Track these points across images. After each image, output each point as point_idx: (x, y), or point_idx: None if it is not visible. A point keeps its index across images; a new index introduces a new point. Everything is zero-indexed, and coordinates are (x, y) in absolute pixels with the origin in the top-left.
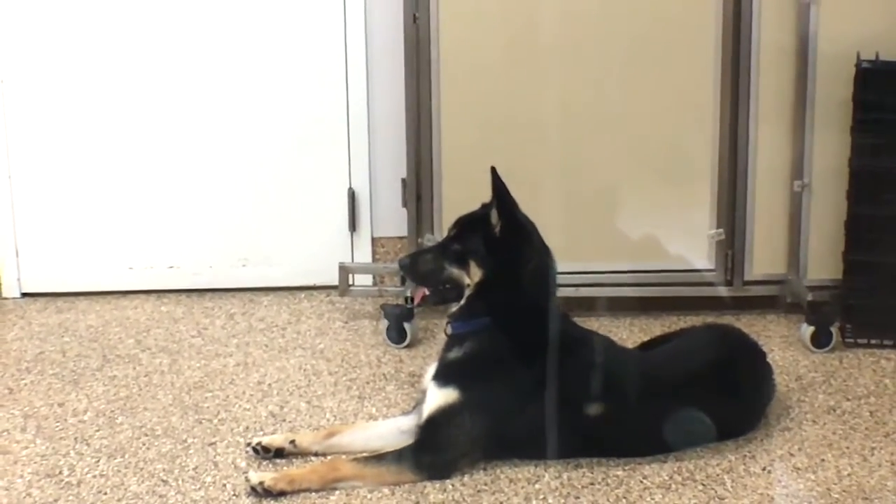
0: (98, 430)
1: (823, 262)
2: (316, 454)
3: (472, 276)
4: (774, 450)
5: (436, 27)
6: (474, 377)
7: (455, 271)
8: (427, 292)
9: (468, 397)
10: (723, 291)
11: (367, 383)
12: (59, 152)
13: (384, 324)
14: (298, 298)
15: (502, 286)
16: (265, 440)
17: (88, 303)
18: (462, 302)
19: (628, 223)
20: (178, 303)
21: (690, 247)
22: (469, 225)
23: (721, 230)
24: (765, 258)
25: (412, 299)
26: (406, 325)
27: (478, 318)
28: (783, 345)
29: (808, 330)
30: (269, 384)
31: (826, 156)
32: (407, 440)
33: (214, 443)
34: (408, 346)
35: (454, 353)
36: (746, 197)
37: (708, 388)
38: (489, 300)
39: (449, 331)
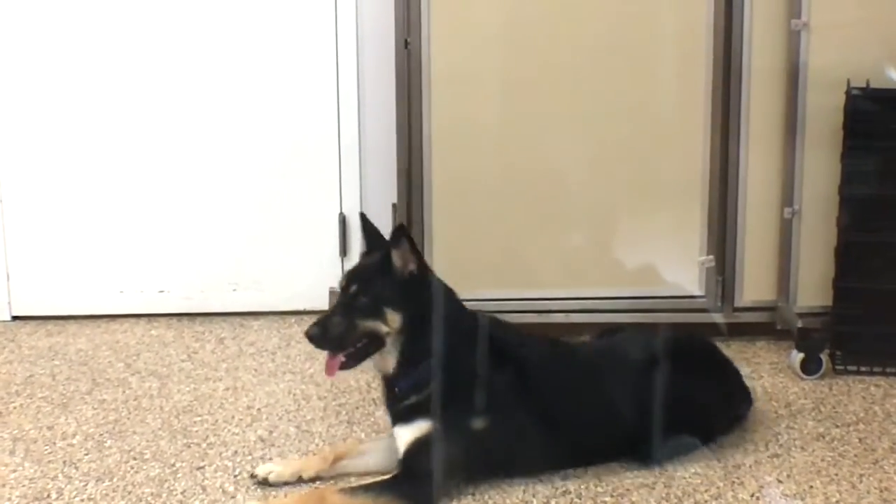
0: (87, 454)
1: (814, 288)
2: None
3: (390, 324)
4: (763, 476)
5: (427, 52)
6: (440, 407)
7: (369, 324)
8: (343, 359)
9: (439, 425)
10: (713, 318)
11: (357, 408)
12: (49, 176)
13: None
14: (289, 323)
15: (427, 324)
16: (272, 477)
17: (79, 326)
18: (395, 360)
19: (618, 250)
20: (168, 327)
21: (681, 273)
22: (368, 274)
23: (711, 257)
24: (755, 285)
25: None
26: None
27: (419, 365)
28: (773, 371)
29: (797, 356)
30: (259, 409)
31: (816, 182)
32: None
33: (203, 467)
34: None
35: (413, 399)
36: (737, 223)
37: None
38: (421, 342)
39: (398, 392)
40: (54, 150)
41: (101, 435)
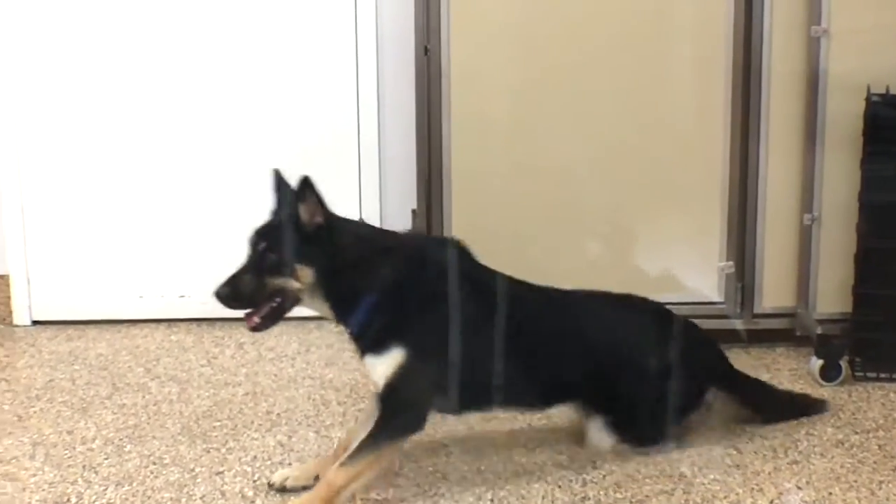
0: (106, 459)
1: (833, 295)
2: None
3: (301, 279)
4: (782, 483)
5: (447, 59)
6: (404, 332)
7: (279, 281)
8: (258, 320)
9: (410, 349)
10: (732, 324)
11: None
12: (70, 181)
13: None
14: (308, 329)
15: (344, 269)
16: (289, 483)
17: (99, 331)
18: (329, 308)
19: (638, 256)
20: (188, 332)
21: (700, 279)
22: (276, 231)
23: (731, 263)
24: (774, 291)
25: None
26: None
27: (362, 301)
28: (792, 378)
29: (817, 363)
30: (278, 414)
31: (836, 189)
32: None
33: (222, 472)
34: None
35: (372, 330)
36: (756, 230)
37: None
38: (347, 284)
39: (354, 333)
40: (74, 155)
41: (121, 440)
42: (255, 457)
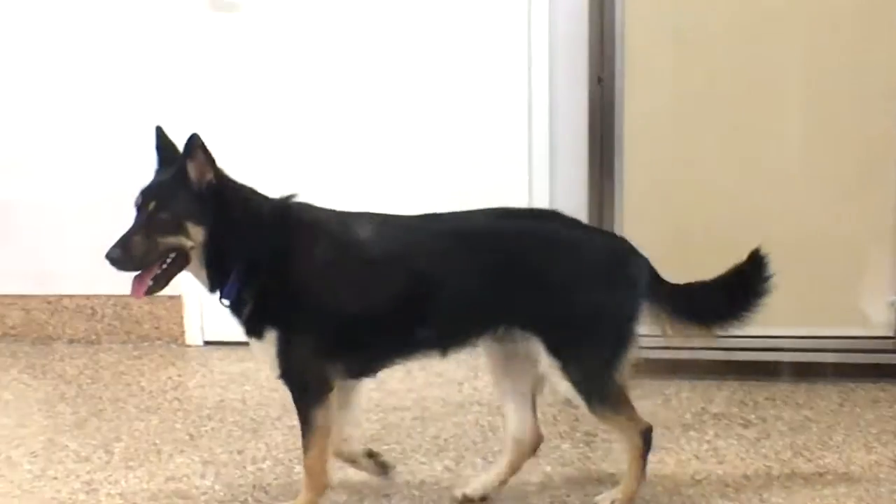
0: (276, 479)
1: None
2: None
3: (193, 238)
4: None
5: (620, 90)
6: (277, 309)
7: (172, 239)
8: (150, 282)
9: (284, 326)
10: None
11: (544, 441)
12: None
13: None
14: (476, 354)
15: (231, 231)
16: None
17: None
18: (205, 273)
19: (807, 286)
20: None
21: (870, 313)
22: (166, 190)
23: None
24: None
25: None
26: None
27: (230, 272)
28: None
29: None
30: (446, 439)
31: None
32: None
33: (389, 495)
34: None
35: (246, 309)
36: None
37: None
38: (226, 250)
39: (226, 303)
40: (246, 177)
41: (291, 460)
42: (422, 481)
